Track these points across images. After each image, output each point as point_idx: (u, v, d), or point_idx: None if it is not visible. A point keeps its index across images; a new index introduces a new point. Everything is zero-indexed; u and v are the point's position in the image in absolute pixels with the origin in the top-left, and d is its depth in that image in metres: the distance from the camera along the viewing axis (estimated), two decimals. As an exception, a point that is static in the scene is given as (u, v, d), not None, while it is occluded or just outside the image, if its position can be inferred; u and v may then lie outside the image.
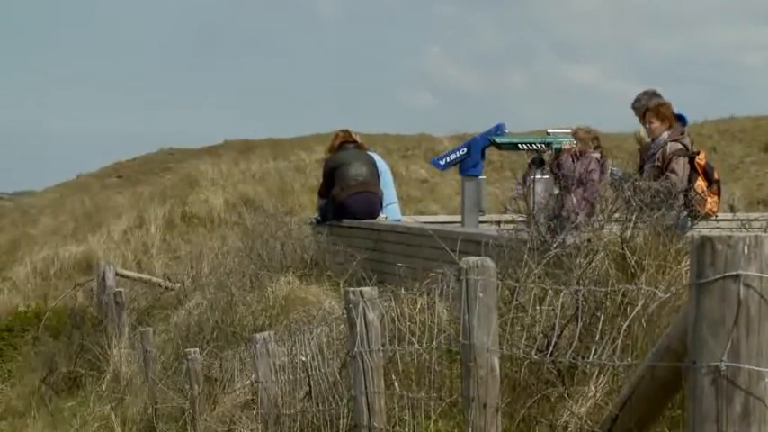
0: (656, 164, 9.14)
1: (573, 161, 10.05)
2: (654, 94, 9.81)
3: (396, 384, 5.61)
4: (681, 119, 9.73)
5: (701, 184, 9.07)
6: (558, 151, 10.32)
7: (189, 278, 13.36)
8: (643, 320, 5.16)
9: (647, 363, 3.09)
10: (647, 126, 9.54)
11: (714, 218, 9.08)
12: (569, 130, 11.05)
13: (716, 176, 9.31)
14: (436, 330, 5.40)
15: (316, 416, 6.55)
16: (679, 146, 9.32)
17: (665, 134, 9.40)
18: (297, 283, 10.23)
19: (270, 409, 7.16)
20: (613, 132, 22.10)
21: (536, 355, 5.06)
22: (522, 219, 7.88)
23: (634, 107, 9.84)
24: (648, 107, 9.55)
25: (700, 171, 9.21)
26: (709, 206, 8.99)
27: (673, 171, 9.03)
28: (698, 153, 9.39)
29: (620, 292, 5.17)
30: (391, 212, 12.57)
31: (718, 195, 9.34)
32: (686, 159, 9.25)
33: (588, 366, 5.06)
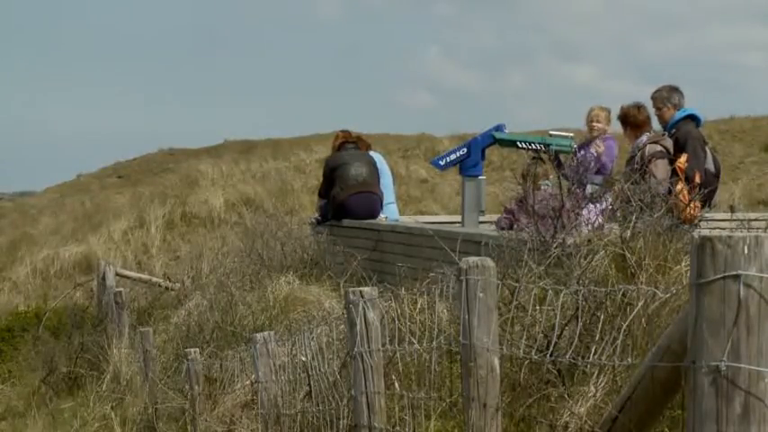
0: (635, 166, 8.86)
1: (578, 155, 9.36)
2: (674, 90, 9.71)
3: (396, 384, 5.62)
4: (694, 118, 9.62)
5: (681, 188, 8.59)
6: (557, 153, 10.30)
7: (189, 278, 13.36)
8: (643, 320, 5.16)
9: (647, 363, 3.09)
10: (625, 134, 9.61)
11: (696, 223, 8.23)
12: (572, 134, 11.03)
13: (697, 180, 8.87)
14: (436, 330, 5.39)
15: (316, 416, 6.54)
16: (659, 148, 9.14)
17: (644, 137, 9.32)
18: (297, 283, 10.22)
19: (270, 409, 7.16)
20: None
21: (536, 355, 5.06)
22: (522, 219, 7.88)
23: (653, 97, 9.73)
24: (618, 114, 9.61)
25: (680, 175, 8.88)
26: (690, 210, 8.22)
27: (652, 175, 8.67)
28: (679, 156, 9.07)
29: (620, 292, 5.17)
30: (390, 212, 12.58)
31: (710, 199, 8.96)
32: (666, 162, 9.04)
33: (588, 366, 5.06)
